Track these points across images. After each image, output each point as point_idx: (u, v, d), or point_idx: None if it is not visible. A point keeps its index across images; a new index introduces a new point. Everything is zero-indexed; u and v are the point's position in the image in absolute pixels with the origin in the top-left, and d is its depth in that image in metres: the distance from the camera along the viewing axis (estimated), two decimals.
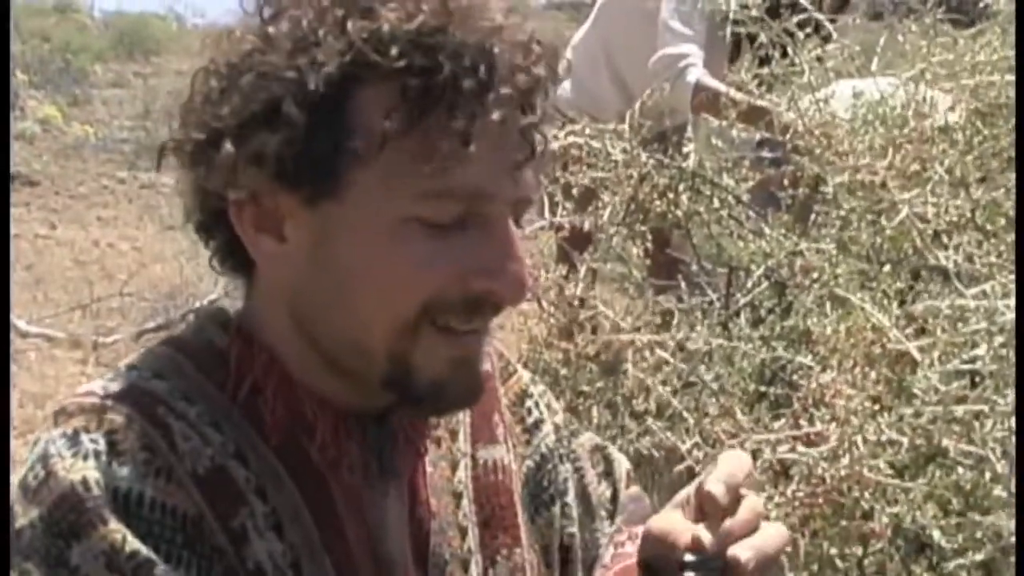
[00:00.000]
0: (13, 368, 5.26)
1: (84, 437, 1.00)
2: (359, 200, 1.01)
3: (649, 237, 2.86)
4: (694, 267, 3.02)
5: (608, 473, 1.30)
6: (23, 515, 1.00)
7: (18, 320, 5.72)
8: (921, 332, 2.20)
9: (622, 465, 1.32)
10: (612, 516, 1.29)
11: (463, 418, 1.19)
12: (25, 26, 13.77)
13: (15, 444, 4.22)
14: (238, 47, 1.03)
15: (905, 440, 1.89)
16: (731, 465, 1.05)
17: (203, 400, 1.05)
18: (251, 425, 1.06)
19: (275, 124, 1.00)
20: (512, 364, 1.28)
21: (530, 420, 1.25)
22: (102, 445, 1.00)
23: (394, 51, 0.99)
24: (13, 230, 7.62)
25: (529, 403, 1.26)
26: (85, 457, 1.00)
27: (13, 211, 8.16)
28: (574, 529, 1.26)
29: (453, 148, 0.99)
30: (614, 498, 1.30)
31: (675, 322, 2.60)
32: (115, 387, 1.05)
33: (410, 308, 1.02)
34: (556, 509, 1.24)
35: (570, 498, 1.26)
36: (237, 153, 1.01)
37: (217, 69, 1.04)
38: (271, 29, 1.02)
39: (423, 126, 0.98)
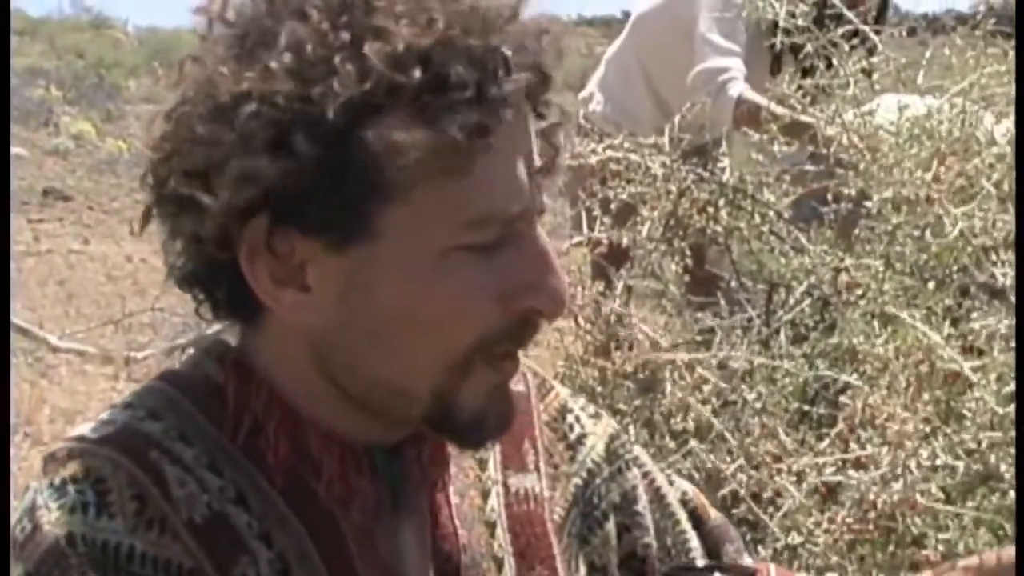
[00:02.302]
0: (44, 383, 5.26)
1: (71, 488, 0.95)
2: (394, 239, 0.93)
3: (688, 253, 2.81)
4: (733, 283, 2.97)
5: (670, 481, 1.25)
6: (12, 570, 0.95)
7: (50, 335, 5.72)
8: (968, 351, 2.14)
9: (683, 481, 1.27)
10: (692, 519, 1.23)
11: (492, 445, 1.12)
12: (60, 42, 13.90)
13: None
14: (231, 86, 0.92)
15: (961, 464, 1.83)
16: None
17: (200, 440, 0.99)
18: (253, 465, 1.00)
19: (285, 161, 0.90)
20: (548, 380, 1.21)
21: (572, 436, 1.18)
22: (90, 496, 0.95)
23: (415, 71, 0.90)
24: (46, 245, 7.68)
25: (570, 418, 1.19)
26: (72, 510, 0.94)
27: (47, 226, 8.22)
28: (649, 539, 1.19)
29: (483, 165, 0.92)
30: (684, 502, 1.24)
31: (717, 340, 2.55)
32: (107, 430, 0.99)
33: (462, 344, 0.96)
34: (610, 526, 1.18)
35: (641, 506, 1.19)
36: (240, 196, 0.91)
37: (201, 112, 0.94)
38: (273, 63, 0.91)
39: (451, 147, 0.90)
